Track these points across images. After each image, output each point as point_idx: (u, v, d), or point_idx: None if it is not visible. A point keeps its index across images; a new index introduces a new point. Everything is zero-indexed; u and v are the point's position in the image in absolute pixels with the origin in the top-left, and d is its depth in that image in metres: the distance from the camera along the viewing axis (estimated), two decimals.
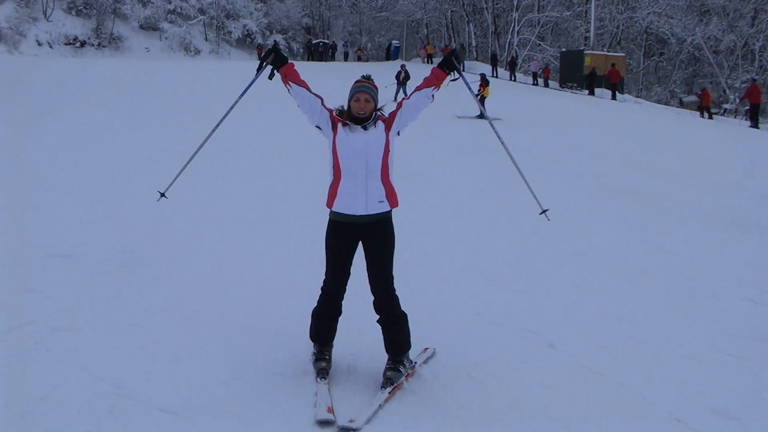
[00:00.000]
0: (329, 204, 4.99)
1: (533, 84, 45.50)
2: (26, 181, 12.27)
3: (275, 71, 5.22)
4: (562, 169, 16.41)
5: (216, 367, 5.26)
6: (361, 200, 4.86)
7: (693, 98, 59.22)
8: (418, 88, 5.20)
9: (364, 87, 4.92)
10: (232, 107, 5.69)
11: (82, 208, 10.34)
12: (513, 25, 57.79)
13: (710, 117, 34.54)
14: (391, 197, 5.00)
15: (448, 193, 13.24)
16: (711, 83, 60.87)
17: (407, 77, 28.84)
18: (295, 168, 14.50)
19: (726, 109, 54.36)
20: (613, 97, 38.91)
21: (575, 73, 42.89)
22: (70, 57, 50.25)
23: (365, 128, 4.90)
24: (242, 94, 5.61)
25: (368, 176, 4.87)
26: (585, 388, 5.22)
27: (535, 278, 8.05)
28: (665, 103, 50.54)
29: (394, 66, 37.14)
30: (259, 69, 5.25)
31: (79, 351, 5.41)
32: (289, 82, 5.09)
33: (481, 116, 24.28)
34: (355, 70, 43.74)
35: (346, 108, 5.02)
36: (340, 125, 4.94)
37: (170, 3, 62.69)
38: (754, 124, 30.49)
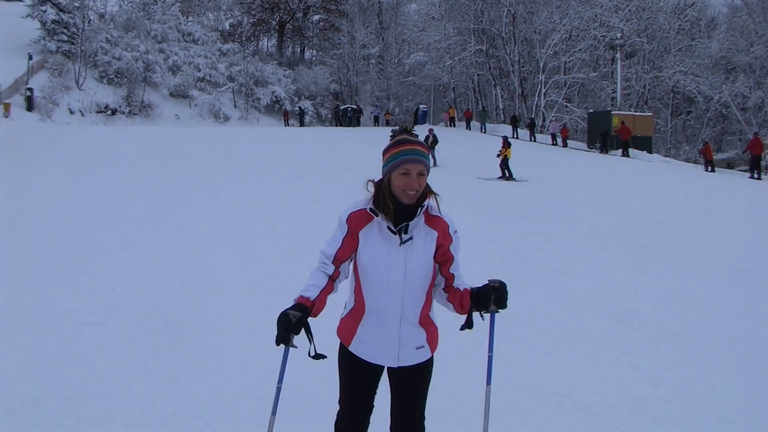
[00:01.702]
0: (344, 337, 3.69)
1: (552, 144, 45.79)
2: (57, 244, 12.36)
3: (311, 337, 3.52)
4: (589, 227, 16.45)
5: None
6: (391, 350, 3.57)
7: (725, 155, 59.30)
8: (449, 296, 3.63)
9: (417, 154, 3.39)
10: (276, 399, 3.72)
11: (114, 273, 10.34)
12: (539, 87, 58.14)
13: (713, 170, 35.66)
14: (433, 340, 3.70)
15: (474, 255, 13.16)
16: (740, 140, 60.79)
17: (435, 141, 29.06)
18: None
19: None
20: (625, 154, 39.91)
21: (603, 135, 43.04)
22: (101, 125, 50.97)
23: (406, 231, 3.45)
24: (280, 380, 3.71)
25: (404, 318, 3.53)
26: None
27: (566, 340, 7.92)
28: (694, 162, 50.42)
29: (422, 130, 37.33)
30: (287, 345, 3.43)
31: (111, 418, 5.35)
32: (324, 300, 3.54)
33: (505, 177, 24.83)
34: (384, 136, 44.51)
35: (378, 186, 3.52)
36: (365, 227, 3.51)
37: (200, 71, 63.75)
38: (757, 176, 32.25)
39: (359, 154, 31.16)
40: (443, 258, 3.56)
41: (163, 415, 5.51)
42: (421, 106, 63.50)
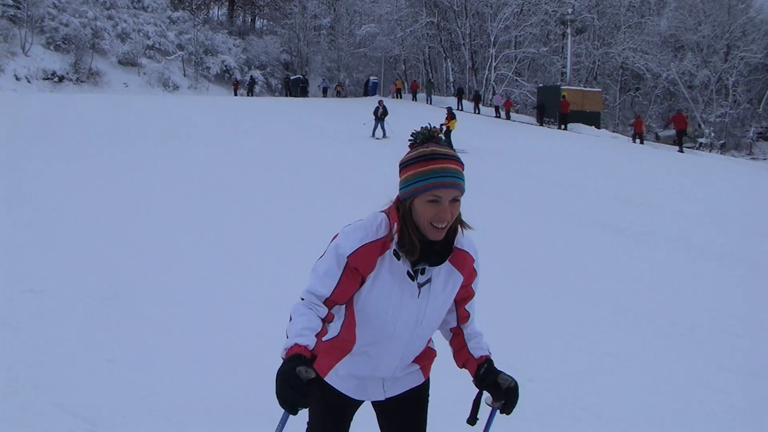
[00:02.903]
0: (318, 366, 2.70)
1: (496, 117, 46.04)
2: (1, 214, 11.96)
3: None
4: (534, 201, 16.56)
5: (192, 403, 5.08)
6: (377, 387, 2.89)
7: (670, 132, 60.07)
8: (455, 346, 2.92)
9: (452, 175, 2.49)
10: None
11: (60, 243, 10.05)
12: (490, 61, 58.19)
13: (642, 142, 37.04)
14: (428, 365, 3.03)
15: None
16: (686, 117, 61.49)
17: (385, 112, 28.88)
18: (287, 195, 14.45)
19: (701, 143, 55.00)
20: (564, 128, 40.95)
21: (551, 109, 43.31)
22: (48, 92, 50.01)
23: (423, 271, 2.63)
24: None
25: (400, 364, 2.86)
26: (564, 421, 5.12)
27: (514, 313, 7.87)
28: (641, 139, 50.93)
29: (372, 102, 37.32)
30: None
31: (55, 387, 5.20)
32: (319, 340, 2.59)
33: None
34: (335, 107, 44.20)
35: (396, 215, 2.59)
36: (377, 267, 2.60)
37: (149, 39, 62.80)
38: (680, 149, 33.60)
39: (315, 125, 31.56)
40: (463, 296, 2.86)
41: (107, 382, 5.41)
42: (372, 78, 63.26)
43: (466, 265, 2.74)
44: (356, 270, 2.57)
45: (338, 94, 59.71)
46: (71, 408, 4.87)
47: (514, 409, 2.72)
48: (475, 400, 2.81)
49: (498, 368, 2.78)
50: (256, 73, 64.60)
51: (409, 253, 2.54)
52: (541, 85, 53.63)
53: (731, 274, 10.55)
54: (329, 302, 2.62)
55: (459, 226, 2.66)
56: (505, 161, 23.99)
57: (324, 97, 58.95)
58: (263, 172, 18.32)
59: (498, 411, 2.76)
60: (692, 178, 23.36)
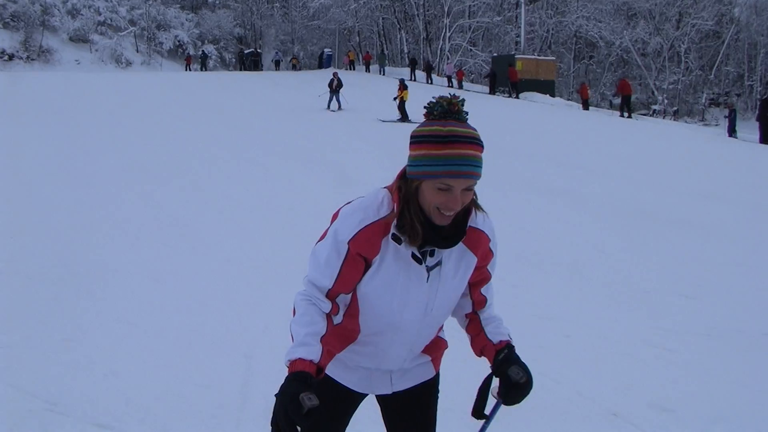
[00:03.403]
0: (321, 360, 2.29)
1: (448, 86, 46.05)
2: None
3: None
4: (487, 169, 16.52)
5: (151, 381, 5.04)
6: (382, 379, 2.65)
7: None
8: (472, 332, 2.66)
9: (470, 163, 2.20)
10: None
11: (14, 222, 9.93)
12: (444, 31, 58.18)
13: (587, 109, 37.87)
14: (439, 357, 2.79)
15: None
16: (640, 85, 62.10)
17: (340, 85, 28.78)
18: (241, 169, 14.35)
19: (655, 110, 55.57)
20: (516, 96, 41.47)
21: (505, 78, 43.49)
22: None
23: (432, 253, 2.38)
24: None
25: (409, 355, 2.62)
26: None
27: None
28: (596, 106, 51.32)
29: (326, 74, 37.23)
30: None
31: (11, 368, 5.17)
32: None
33: (402, 120, 24.91)
34: (290, 80, 43.90)
35: (401, 195, 2.32)
36: (381, 250, 2.34)
37: (100, 14, 61.81)
38: (628, 115, 34.47)
39: (261, 97, 31.59)
40: (478, 279, 2.59)
41: (65, 361, 5.32)
42: (326, 50, 63.00)
43: (480, 245, 2.48)
44: (359, 255, 2.33)
45: (294, 68, 59.23)
46: (30, 388, 4.82)
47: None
48: (480, 389, 2.55)
49: (518, 357, 2.53)
50: (209, 48, 63.93)
51: (411, 237, 2.27)
52: (495, 54, 53.73)
53: (682, 238, 10.63)
54: (332, 294, 2.39)
55: (472, 207, 2.40)
56: None
57: (277, 70, 58.34)
58: (216, 146, 18.11)
59: (502, 403, 2.51)
60: (638, 143, 23.60)
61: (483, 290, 2.63)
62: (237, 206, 11.44)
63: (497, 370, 2.50)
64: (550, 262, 8.89)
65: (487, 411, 2.54)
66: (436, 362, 2.73)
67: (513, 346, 2.57)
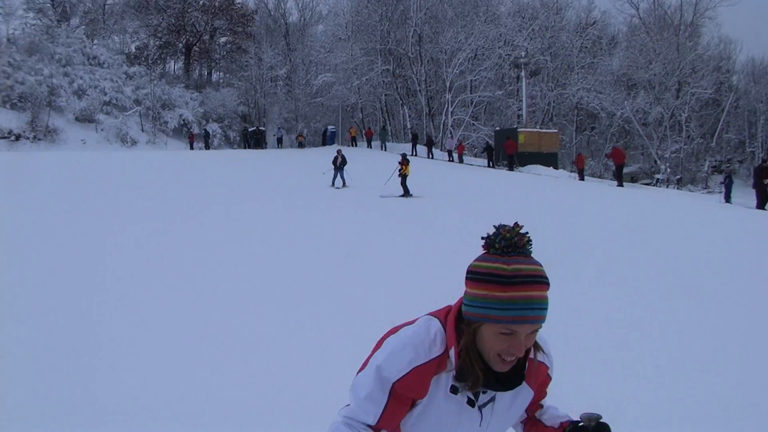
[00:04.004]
0: None
1: (449, 160, 46.67)
2: None
3: None
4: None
5: None
6: None
7: (628, 169, 60.77)
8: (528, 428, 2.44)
9: (538, 308, 2.01)
10: None
11: (17, 305, 9.87)
12: (446, 106, 58.73)
13: (582, 179, 38.02)
14: None
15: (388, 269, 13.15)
16: (642, 154, 62.55)
17: (344, 162, 28.87)
18: (249, 255, 14.26)
19: (658, 179, 55.75)
20: (510, 168, 42.00)
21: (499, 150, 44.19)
22: (4, 150, 49.47)
23: (484, 393, 2.20)
24: None
25: None
26: None
27: None
28: (599, 176, 51.56)
29: (330, 151, 37.48)
30: None
31: None
32: None
33: (404, 195, 25.05)
34: (294, 157, 44.10)
35: (455, 336, 2.12)
36: (430, 390, 2.15)
37: (106, 95, 62.41)
38: (620, 183, 34.50)
39: (266, 174, 31.80)
40: (536, 398, 2.40)
41: None
42: (330, 127, 63.48)
43: (539, 378, 2.30)
44: (405, 396, 2.14)
45: (300, 145, 59.30)
46: None
47: None
48: None
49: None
50: (214, 126, 64.40)
51: (472, 386, 2.10)
52: (497, 128, 54.16)
53: (688, 308, 10.54)
54: (375, 429, 2.18)
55: (535, 350, 2.20)
56: (459, 203, 24.23)
57: (279, 147, 58.59)
58: (222, 226, 18.05)
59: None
60: (635, 212, 23.85)
61: (539, 403, 2.42)
62: (246, 289, 11.26)
63: None
64: (558, 338, 8.68)
65: None
66: None
67: (578, 421, 2.29)
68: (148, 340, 8.38)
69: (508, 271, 2.00)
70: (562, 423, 2.34)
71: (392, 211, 21.94)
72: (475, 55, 60.52)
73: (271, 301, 10.17)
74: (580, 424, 2.24)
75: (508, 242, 2.07)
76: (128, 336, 8.51)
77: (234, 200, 23.28)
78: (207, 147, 58.93)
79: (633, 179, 56.35)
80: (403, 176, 26.18)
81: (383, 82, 63.65)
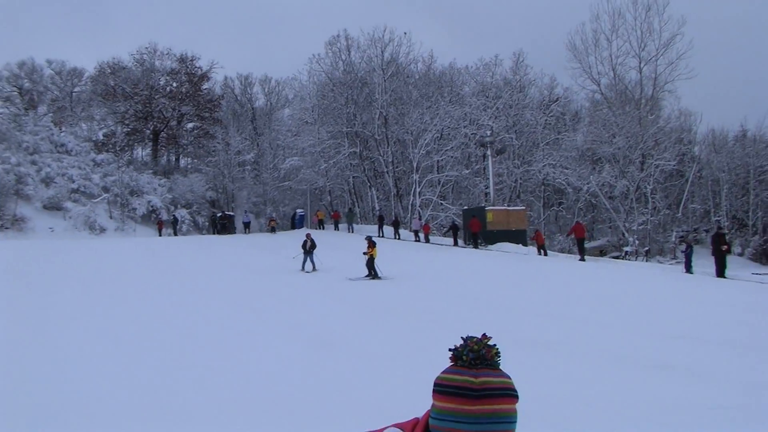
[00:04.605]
0: None
1: (415, 240, 47.06)
2: None
3: None
4: (460, 321, 16.40)
5: None
6: None
7: (597, 243, 61.24)
8: None
9: (508, 419, 2.06)
10: None
11: None
12: (414, 186, 59.07)
13: (545, 254, 38.73)
14: None
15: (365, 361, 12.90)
16: (610, 228, 63.00)
17: (313, 246, 28.81)
18: (219, 342, 13.99)
19: (626, 251, 56.11)
20: (475, 246, 42.57)
21: (466, 229, 44.37)
22: None
23: None
24: None
25: None
26: None
27: None
28: (568, 251, 51.78)
29: (300, 234, 37.55)
30: None
31: None
32: None
33: (371, 276, 25.05)
34: (263, 241, 44.01)
35: None
36: None
37: (73, 182, 62.22)
38: (582, 258, 35.20)
39: (235, 260, 31.61)
40: None
41: None
42: (298, 211, 63.62)
43: None
44: None
45: (272, 230, 58.67)
46: None
47: None
48: None
49: None
50: (182, 212, 64.28)
51: None
52: (465, 207, 54.48)
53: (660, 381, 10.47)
54: None
55: None
56: (425, 284, 24.31)
57: (247, 232, 58.07)
58: (190, 313, 17.76)
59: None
60: (599, 285, 24.25)
61: None
62: (214, 378, 10.85)
63: None
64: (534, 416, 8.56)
65: None
66: None
67: None
68: None
69: (476, 384, 2.00)
70: None
71: (362, 296, 21.80)
72: (441, 135, 61.30)
73: (245, 398, 9.86)
74: None
75: (476, 354, 2.06)
76: None
77: (201, 286, 23.14)
78: (175, 233, 58.72)
79: (602, 252, 56.69)
80: (371, 258, 26.17)
81: (351, 164, 64.11)
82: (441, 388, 2.06)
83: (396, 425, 2.18)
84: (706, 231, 64.15)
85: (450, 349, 2.13)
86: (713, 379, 10.50)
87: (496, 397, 2.01)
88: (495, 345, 2.12)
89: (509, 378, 2.09)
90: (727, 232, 37.52)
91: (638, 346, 13.24)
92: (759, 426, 8.19)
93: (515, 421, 2.04)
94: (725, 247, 27.80)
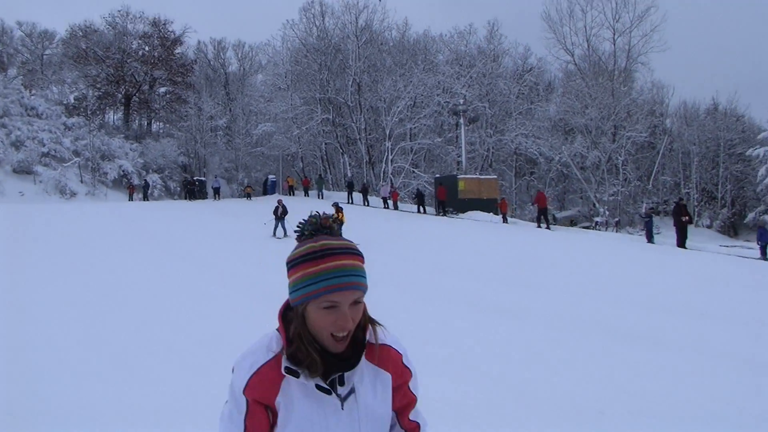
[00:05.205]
0: None
1: (384, 207, 47.03)
2: None
3: None
4: (427, 285, 16.57)
5: None
6: None
7: (568, 213, 61.60)
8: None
9: (351, 274, 2.08)
10: None
11: None
12: (386, 154, 59.00)
13: (506, 222, 39.05)
14: None
15: None
16: (581, 198, 63.35)
17: (285, 212, 28.77)
18: (188, 306, 13.93)
19: (597, 222, 56.46)
20: (444, 214, 42.95)
21: (450, 198, 44.12)
22: None
23: (342, 382, 2.16)
24: None
25: None
26: None
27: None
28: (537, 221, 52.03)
29: (271, 201, 37.46)
30: None
31: None
32: None
33: None
34: (234, 207, 43.81)
35: (289, 333, 2.15)
36: (281, 392, 2.13)
37: (44, 146, 61.63)
38: (546, 226, 35.63)
39: (207, 225, 31.53)
40: (403, 403, 2.34)
41: None
42: (270, 177, 63.32)
43: (391, 362, 2.27)
44: (258, 404, 2.11)
45: (248, 197, 57.04)
46: None
47: None
48: None
49: None
50: (154, 177, 63.95)
51: (311, 369, 2.08)
52: (437, 175, 54.51)
53: (630, 350, 10.54)
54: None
55: (367, 324, 2.21)
56: (392, 248, 24.43)
57: (216, 198, 56.62)
58: (160, 276, 17.73)
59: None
60: (562, 253, 24.38)
61: (412, 416, 2.38)
62: (184, 340, 10.84)
63: None
64: (492, 379, 8.69)
65: None
66: None
67: None
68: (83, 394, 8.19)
69: (317, 247, 2.09)
70: None
71: None
72: (414, 103, 61.12)
73: (210, 358, 9.82)
74: None
75: (314, 226, 2.18)
76: None
77: (172, 250, 23.07)
78: (146, 198, 58.34)
79: (572, 222, 57.08)
80: (339, 223, 26.10)
81: (323, 131, 64.01)
82: (290, 264, 2.16)
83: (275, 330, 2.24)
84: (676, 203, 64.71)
85: (295, 230, 2.26)
86: (670, 347, 10.57)
87: (338, 254, 2.08)
88: (332, 215, 2.23)
89: (351, 241, 2.18)
90: (686, 203, 37.94)
91: (594, 312, 13.35)
92: (710, 388, 8.33)
93: (362, 276, 2.10)
94: (686, 218, 28.21)
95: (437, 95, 60.96)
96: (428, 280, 17.83)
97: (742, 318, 13.05)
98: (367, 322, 2.20)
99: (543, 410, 7.52)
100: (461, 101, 55.67)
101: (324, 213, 2.24)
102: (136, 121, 78.51)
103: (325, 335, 2.07)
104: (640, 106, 64.20)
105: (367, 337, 2.21)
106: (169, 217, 36.69)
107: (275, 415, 2.12)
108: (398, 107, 58.78)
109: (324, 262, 2.06)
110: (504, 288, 16.35)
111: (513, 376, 8.88)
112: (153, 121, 79.24)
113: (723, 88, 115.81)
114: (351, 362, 2.14)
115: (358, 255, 2.14)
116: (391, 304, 13.21)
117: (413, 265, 20.75)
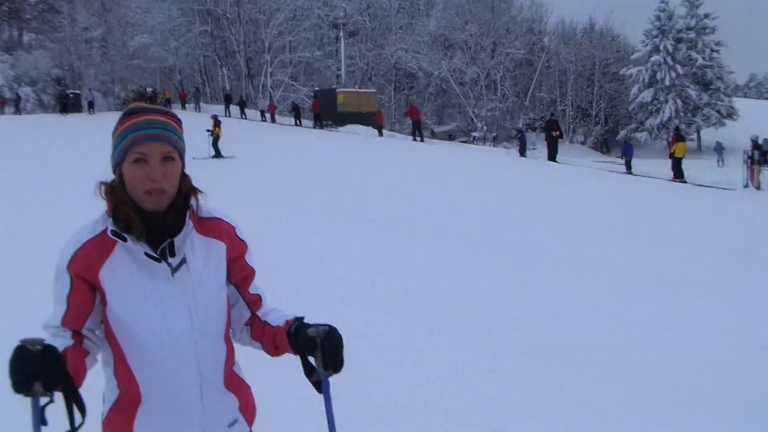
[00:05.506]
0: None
1: (262, 121, 47.00)
2: None
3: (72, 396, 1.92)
4: (301, 198, 16.70)
5: None
6: None
7: (446, 128, 62.58)
8: (254, 332, 2.37)
9: (157, 126, 2.09)
10: None
11: None
12: (266, 67, 58.59)
13: (381, 135, 39.57)
14: (248, 406, 2.40)
15: None
16: (459, 113, 64.43)
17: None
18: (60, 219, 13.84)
19: (475, 137, 57.67)
20: (320, 127, 43.17)
21: (329, 111, 44.22)
22: None
23: (173, 252, 2.13)
24: None
25: (204, 385, 2.19)
26: None
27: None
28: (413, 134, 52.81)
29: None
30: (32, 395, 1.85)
31: None
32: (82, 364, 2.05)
33: (216, 156, 24.87)
34: (108, 121, 42.81)
35: (112, 189, 2.13)
36: (106, 264, 2.10)
37: None
38: (421, 140, 36.61)
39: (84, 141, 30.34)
40: (242, 275, 2.35)
41: None
42: (148, 89, 62.04)
43: (225, 233, 2.27)
44: (81, 279, 2.07)
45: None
46: None
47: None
48: (306, 374, 2.26)
49: (309, 323, 2.26)
50: (26, 90, 61.80)
51: (131, 228, 2.06)
52: (317, 88, 54.48)
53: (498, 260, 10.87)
54: (67, 320, 2.07)
55: (192, 194, 2.20)
56: (269, 163, 24.36)
57: (90, 112, 53.73)
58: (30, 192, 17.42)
59: (327, 377, 2.20)
60: (432, 166, 24.85)
61: (252, 289, 2.38)
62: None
63: (297, 347, 2.24)
64: (372, 290, 8.78)
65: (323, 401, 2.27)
66: (248, 414, 2.38)
67: (302, 318, 2.32)
68: None
69: (130, 108, 2.16)
70: (287, 321, 2.31)
71: (208, 176, 21.58)
72: (294, 15, 60.67)
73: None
74: (309, 334, 2.20)
75: (135, 94, 2.65)
76: None
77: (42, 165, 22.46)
78: (18, 112, 56.30)
79: (450, 137, 58.00)
80: (216, 137, 25.92)
81: (201, 43, 63.05)
82: (112, 137, 2.17)
83: None
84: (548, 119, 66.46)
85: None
86: (543, 257, 11.14)
87: (146, 112, 2.13)
88: (152, 89, 2.71)
89: (166, 110, 2.22)
90: (559, 119, 39.14)
91: (463, 223, 13.90)
92: (583, 294, 8.91)
93: (170, 131, 2.13)
94: (557, 132, 29.36)
95: (317, 8, 60.70)
96: (301, 190, 18.00)
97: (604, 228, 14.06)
98: (189, 189, 2.19)
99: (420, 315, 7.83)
100: (341, 14, 55.72)
101: (145, 89, 2.35)
102: (6, 32, 75.11)
103: (139, 193, 2.06)
104: (519, 24, 65.44)
105: (198, 211, 2.22)
106: (41, 132, 35.34)
107: (103, 294, 2.10)
108: (278, 19, 58.37)
109: (133, 118, 2.10)
110: (378, 201, 16.62)
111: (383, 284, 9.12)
112: (24, 31, 75.97)
113: (600, 7, 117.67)
114: (177, 228, 2.13)
115: (170, 115, 2.17)
116: (270, 217, 13.40)
117: (292, 177, 20.79)
